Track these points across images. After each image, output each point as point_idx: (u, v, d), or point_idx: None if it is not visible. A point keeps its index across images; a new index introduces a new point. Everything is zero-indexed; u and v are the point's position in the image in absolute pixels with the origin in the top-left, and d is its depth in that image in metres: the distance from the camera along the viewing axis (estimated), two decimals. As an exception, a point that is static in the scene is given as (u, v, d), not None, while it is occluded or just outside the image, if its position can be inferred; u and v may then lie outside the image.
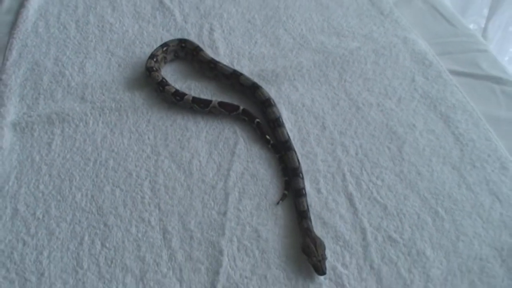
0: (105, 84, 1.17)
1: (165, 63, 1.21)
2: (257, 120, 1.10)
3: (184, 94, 1.12)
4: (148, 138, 1.10)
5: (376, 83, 1.22)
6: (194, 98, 1.12)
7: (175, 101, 1.12)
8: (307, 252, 0.91)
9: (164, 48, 1.19)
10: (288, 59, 1.25)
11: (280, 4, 1.41)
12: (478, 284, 0.93)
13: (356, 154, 1.10)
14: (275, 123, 1.09)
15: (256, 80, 1.18)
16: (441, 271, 0.95)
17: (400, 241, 0.99)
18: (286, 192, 1.03)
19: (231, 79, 1.16)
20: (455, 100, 1.19)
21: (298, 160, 1.06)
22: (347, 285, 0.93)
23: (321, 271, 0.89)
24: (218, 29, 1.30)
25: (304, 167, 1.06)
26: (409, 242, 0.99)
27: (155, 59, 1.17)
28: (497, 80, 1.26)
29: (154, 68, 1.16)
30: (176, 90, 1.13)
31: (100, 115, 1.13)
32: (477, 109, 1.18)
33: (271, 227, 0.99)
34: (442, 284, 0.93)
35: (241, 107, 1.11)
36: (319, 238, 0.94)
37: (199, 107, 1.11)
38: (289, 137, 1.09)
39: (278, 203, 1.02)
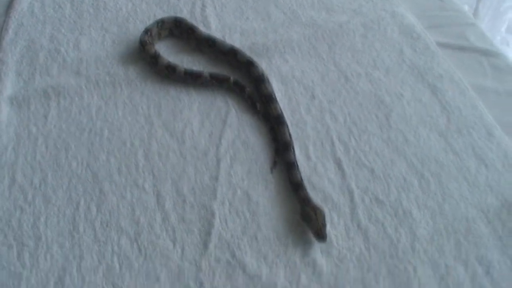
0: (100, 59, 1.20)
1: (159, 39, 1.24)
2: (248, 90, 1.13)
3: (176, 67, 1.15)
4: (142, 108, 1.12)
5: (365, 55, 1.24)
6: (186, 70, 1.15)
7: (168, 73, 1.15)
8: (307, 220, 0.93)
9: (159, 24, 1.22)
10: (279, 34, 1.28)
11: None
12: (464, 243, 0.96)
13: (345, 121, 1.13)
14: (268, 99, 1.11)
15: (247, 53, 1.20)
16: (427, 231, 0.97)
17: (387, 203, 1.02)
18: (276, 159, 1.05)
19: (228, 55, 1.19)
20: (442, 71, 1.22)
21: (289, 135, 1.08)
22: (335, 244, 0.95)
23: (322, 237, 0.90)
24: (210, 5, 1.33)
25: (294, 135, 1.09)
26: (395, 203, 1.01)
27: (149, 34, 1.20)
28: (484, 52, 1.28)
29: (148, 42, 1.18)
30: (169, 63, 1.15)
31: (94, 88, 1.15)
32: (464, 79, 1.21)
33: (261, 191, 1.02)
34: (429, 243, 0.96)
35: (232, 78, 1.14)
36: (318, 207, 0.95)
37: (191, 79, 1.14)
38: (281, 112, 1.11)
39: (271, 171, 1.05)
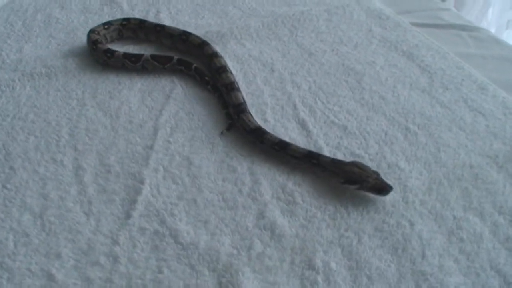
0: (40, 58, 1.08)
1: (106, 41, 1.14)
2: (195, 65, 0.99)
3: (115, 51, 1.03)
4: (76, 94, 0.97)
5: (330, 35, 1.12)
6: (125, 53, 1.03)
7: (107, 58, 1.02)
8: (356, 180, 0.72)
9: (106, 26, 1.14)
10: (235, 24, 1.18)
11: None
12: (473, 191, 0.73)
13: (309, 88, 0.96)
14: (220, 70, 0.96)
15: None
16: (421, 181, 0.75)
17: (366, 156, 0.80)
18: (231, 121, 0.87)
19: (179, 39, 1.08)
20: (418, 41, 1.08)
21: (243, 98, 0.92)
22: (301, 201, 0.72)
23: (388, 186, 0.71)
24: (165, 11, 1.26)
25: (249, 102, 0.92)
26: (377, 157, 0.80)
27: (96, 32, 1.11)
28: (463, 27, 1.16)
29: (95, 34, 1.09)
30: (108, 48, 1.04)
31: (28, 81, 1.02)
32: (443, 47, 1.07)
33: (206, 154, 0.81)
34: (426, 193, 0.73)
35: (176, 57, 1.01)
36: (355, 162, 0.76)
37: (131, 63, 1.01)
38: (234, 80, 0.96)
39: (222, 133, 0.86)
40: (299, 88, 0.96)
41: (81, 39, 1.16)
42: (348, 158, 0.80)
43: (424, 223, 0.69)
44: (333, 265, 0.64)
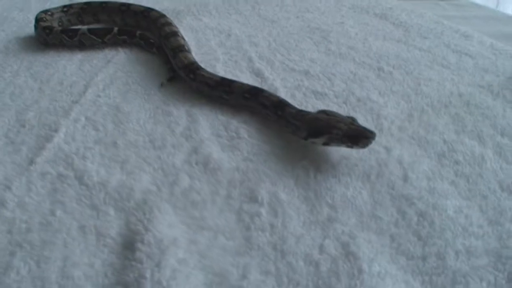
0: None
1: (62, 25, 1.04)
2: (139, 32, 0.88)
3: (53, 27, 0.92)
4: (11, 67, 0.82)
5: (295, 7, 1.02)
6: (63, 29, 0.92)
7: (45, 36, 0.91)
8: (322, 128, 0.52)
9: (49, 13, 1.05)
10: (193, 2, 1.09)
11: None
12: (466, 116, 0.58)
13: (269, 45, 0.83)
14: (169, 35, 0.83)
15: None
16: (399, 110, 0.60)
17: (330, 93, 0.66)
18: (173, 74, 0.74)
19: (121, 11, 0.97)
20: (392, 5, 0.98)
21: (193, 58, 0.79)
22: (246, 137, 0.57)
23: (369, 131, 0.50)
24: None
25: (199, 59, 0.79)
26: (344, 93, 0.65)
27: (49, 13, 1.01)
28: (440, -3, 1.07)
29: (44, 18, 0.99)
30: (48, 25, 0.93)
31: None
32: (419, 9, 0.96)
33: (139, 103, 0.67)
34: (406, 120, 0.58)
35: (116, 28, 0.90)
36: (323, 110, 0.57)
37: (68, 38, 0.90)
38: (185, 43, 0.84)
39: (162, 84, 0.72)
40: (256, 46, 0.84)
41: (33, 30, 1.06)
42: (309, 97, 0.65)
43: (403, 148, 0.53)
44: (282, 196, 0.47)
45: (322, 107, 0.63)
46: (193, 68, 0.71)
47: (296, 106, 0.60)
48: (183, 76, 0.73)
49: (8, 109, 0.70)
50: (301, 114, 0.57)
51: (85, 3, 1.05)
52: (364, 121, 0.58)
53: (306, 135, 0.54)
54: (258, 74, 0.73)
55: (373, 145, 0.54)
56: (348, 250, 0.40)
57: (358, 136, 0.50)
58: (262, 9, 1.02)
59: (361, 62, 0.74)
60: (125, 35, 0.88)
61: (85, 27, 0.92)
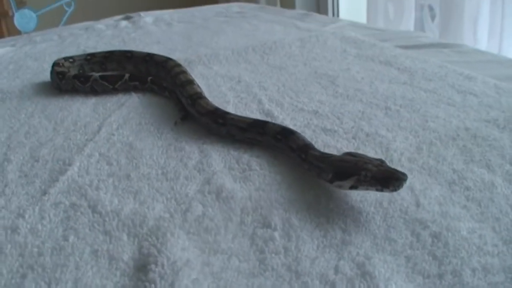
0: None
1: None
2: (150, 78, 0.91)
3: (66, 72, 0.97)
4: (26, 110, 0.85)
5: (303, 57, 1.06)
6: (75, 74, 0.96)
7: (59, 81, 0.95)
8: (350, 170, 0.49)
9: (70, 60, 1.10)
10: (203, 51, 1.13)
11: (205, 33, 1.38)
12: (473, 147, 0.59)
13: (278, 89, 0.86)
14: (184, 83, 0.84)
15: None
16: (408, 144, 0.61)
17: (339, 130, 0.67)
18: (184, 112, 0.76)
19: (145, 60, 1.02)
20: (396, 53, 1.02)
21: (200, 89, 0.82)
22: (258, 169, 0.58)
23: (401, 173, 0.47)
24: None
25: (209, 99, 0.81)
26: (353, 130, 0.67)
27: (60, 64, 1.06)
28: (444, 45, 1.10)
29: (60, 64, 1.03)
30: (62, 71, 0.98)
31: None
32: (424, 56, 0.99)
33: (152, 140, 0.68)
34: (415, 152, 0.59)
35: (127, 74, 0.94)
36: (348, 152, 0.56)
37: (80, 84, 0.94)
38: (200, 90, 0.87)
39: (175, 123, 0.74)
40: (266, 90, 0.87)
41: (48, 77, 1.11)
42: (319, 134, 0.67)
43: (415, 177, 0.53)
44: (295, 221, 0.47)
45: (332, 143, 0.64)
46: (220, 113, 0.70)
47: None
48: (206, 122, 0.71)
49: (23, 146, 0.72)
50: (326, 157, 0.55)
51: (108, 52, 1.10)
52: (373, 154, 0.59)
53: (332, 178, 0.51)
54: (268, 114, 0.75)
55: (384, 174, 0.54)
56: (364, 270, 0.40)
57: (388, 178, 0.47)
58: (270, 58, 1.07)
59: (368, 103, 0.76)
60: (136, 81, 0.92)
61: (97, 74, 0.96)
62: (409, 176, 0.53)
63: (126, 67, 1.07)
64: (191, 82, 0.86)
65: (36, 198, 0.57)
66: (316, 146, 0.61)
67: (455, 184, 0.52)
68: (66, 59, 1.08)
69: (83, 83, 0.93)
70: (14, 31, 1.99)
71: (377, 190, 0.48)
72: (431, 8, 1.98)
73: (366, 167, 0.49)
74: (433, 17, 1.93)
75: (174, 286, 0.39)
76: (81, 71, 1.07)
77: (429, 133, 0.64)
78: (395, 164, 0.56)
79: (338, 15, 2.64)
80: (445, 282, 0.38)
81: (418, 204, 0.48)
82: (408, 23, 1.96)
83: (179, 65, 0.95)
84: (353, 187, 0.49)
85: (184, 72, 0.91)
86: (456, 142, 0.60)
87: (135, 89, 0.92)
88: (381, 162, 0.50)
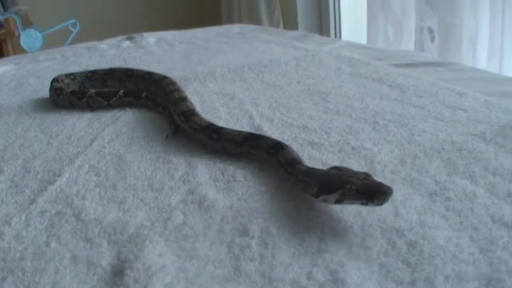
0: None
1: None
2: (144, 94, 0.93)
3: (64, 88, 0.99)
4: (23, 124, 0.88)
5: (297, 75, 1.07)
6: (72, 91, 0.98)
7: (56, 96, 0.97)
8: (334, 184, 0.49)
9: (71, 76, 1.12)
10: (199, 69, 1.15)
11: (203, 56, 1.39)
12: (458, 160, 0.60)
13: (270, 106, 0.87)
14: (177, 100, 0.86)
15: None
16: (392, 157, 0.62)
17: (326, 143, 0.68)
18: (175, 127, 0.78)
19: (144, 79, 1.04)
20: (389, 71, 1.03)
21: (193, 107, 0.83)
22: (242, 180, 0.58)
23: (386, 187, 0.47)
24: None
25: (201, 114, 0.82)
26: (339, 143, 0.68)
27: (60, 80, 1.08)
28: (439, 64, 1.11)
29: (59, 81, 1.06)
30: (60, 87, 1.00)
31: None
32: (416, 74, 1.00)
33: (141, 153, 0.69)
34: (399, 164, 0.60)
35: (122, 91, 0.95)
36: (335, 166, 0.55)
37: (76, 99, 0.95)
38: (192, 107, 0.88)
39: (167, 136, 0.75)
40: (258, 106, 0.88)
41: (47, 94, 1.14)
42: (305, 147, 0.67)
43: (396, 188, 0.53)
44: (273, 230, 0.47)
45: (317, 156, 0.65)
46: (215, 129, 0.70)
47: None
48: (200, 138, 0.71)
49: (16, 158, 0.73)
50: (311, 171, 0.55)
51: (109, 69, 1.13)
52: (358, 166, 0.60)
53: (317, 192, 0.50)
54: (257, 129, 0.76)
55: (366, 185, 0.55)
56: (336, 276, 0.40)
57: (373, 191, 0.46)
58: (265, 76, 1.08)
59: (357, 118, 0.77)
60: (131, 96, 0.94)
61: (93, 90, 0.98)
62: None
63: (127, 85, 1.09)
64: (184, 99, 0.87)
65: (24, 206, 0.58)
66: (302, 159, 0.63)
67: (436, 195, 0.52)
68: (67, 75, 1.11)
69: (79, 99, 0.95)
70: (20, 51, 2.04)
71: (362, 204, 0.47)
72: (430, 30, 2.01)
73: (351, 181, 0.48)
74: (432, 39, 1.95)
75: (147, 289, 0.39)
76: (81, 88, 1.09)
77: (414, 146, 0.64)
78: (378, 176, 0.56)
79: (340, 37, 2.68)
80: (417, 289, 0.38)
81: (396, 214, 0.48)
82: (408, 45, 1.98)
83: (174, 83, 0.97)
84: (338, 201, 0.49)
85: (177, 89, 0.93)
86: (441, 155, 0.61)
87: (130, 105, 0.93)
88: (367, 175, 0.50)
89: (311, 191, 0.51)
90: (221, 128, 0.71)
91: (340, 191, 0.48)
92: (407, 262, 0.41)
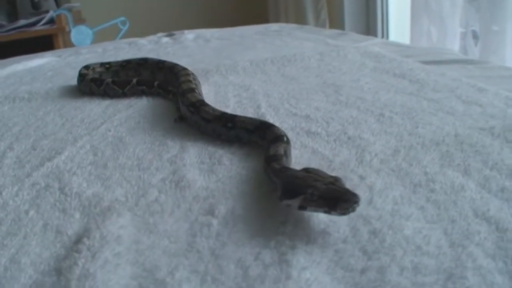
0: (29, 90, 1.10)
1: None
2: (157, 82, 0.95)
3: (86, 75, 1.03)
4: (46, 108, 0.94)
5: (320, 69, 1.05)
6: (92, 78, 1.02)
7: (80, 83, 1.02)
8: (297, 188, 0.44)
9: (107, 65, 1.17)
10: (222, 62, 1.16)
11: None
12: (457, 153, 0.56)
13: (281, 97, 0.86)
14: (189, 90, 0.84)
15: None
16: (386, 147, 0.58)
17: (323, 132, 0.66)
18: (180, 113, 0.78)
19: (160, 67, 1.07)
20: (413, 67, 0.98)
21: (202, 97, 0.84)
22: (227, 163, 0.57)
23: (351, 194, 0.41)
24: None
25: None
26: (337, 132, 0.65)
27: (91, 68, 1.13)
28: (469, 62, 1.04)
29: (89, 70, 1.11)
30: (84, 73, 1.04)
31: (9, 102, 1.01)
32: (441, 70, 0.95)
33: (142, 137, 0.71)
34: (390, 154, 0.56)
35: (135, 79, 0.98)
36: (307, 168, 0.50)
37: (96, 86, 0.99)
38: (202, 98, 0.89)
39: (175, 120, 0.77)
40: (269, 97, 0.87)
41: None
42: (301, 136, 0.66)
43: (379, 177, 0.51)
44: (239, 211, 0.47)
45: (310, 144, 0.63)
46: (229, 117, 0.69)
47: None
48: (213, 128, 0.69)
49: (28, 138, 0.77)
50: (283, 171, 0.50)
51: (142, 59, 1.16)
52: (347, 154, 0.57)
53: (281, 195, 0.45)
54: (261, 117, 0.75)
55: (348, 173, 0.52)
56: (283, 258, 0.38)
57: (337, 198, 0.41)
58: (286, 70, 1.07)
59: (364, 110, 0.74)
60: (144, 85, 0.96)
61: (110, 79, 1.01)
62: (375, 177, 0.51)
63: (157, 76, 1.12)
64: (192, 90, 0.87)
65: (20, 179, 0.61)
66: (293, 147, 0.61)
67: (420, 186, 0.48)
68: (102, 64, 1.16)
69: (98, 86, 0.99)
70: (70, 47, 2.16)
71: (325, 212, 0.42)
72: (474, 34, 1.90)
73: (314, 185, 0.43)
74: (476, 42, 1.84)
75: (95, 256, 0.40)
76: (115, 77, 1.13)
77: (414, 138, 0.60)
78: (364, 165, 0.54)
79: (387, 38, 2.60)
80: (365, 277, 0.36)
81: (370, 202, 0.46)
82: (452, 47, 1.88)
83: (188, 74, 0.98)
84: (302, 208, 0.43)
85: (189, 80, 0.94)
86: (439, 147, 0.57)
87: (143, 93, 0.96)
88: (335, 180, 0.45)
89: (277, 194, 0.47)
90: (235, 116, 0.70)
91: (302, 197, 0.43)
92: (364, 250, 0.39)
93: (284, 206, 0.46)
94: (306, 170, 0.48)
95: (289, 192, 0.45)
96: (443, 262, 0.37)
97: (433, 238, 0.40)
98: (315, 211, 0.43)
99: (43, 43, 2.24)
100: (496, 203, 0.45)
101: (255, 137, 0.65)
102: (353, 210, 0.40)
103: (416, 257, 0.38)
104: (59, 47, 2.10)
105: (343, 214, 0.41)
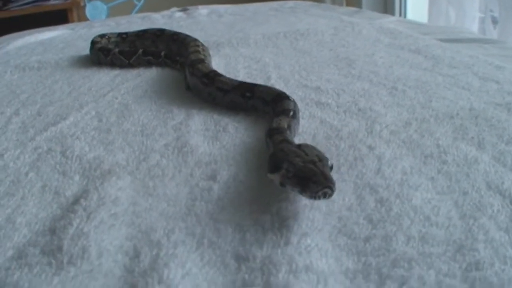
0: (39, 60, 1.09)
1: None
2: (163, 52, 0.93)
3: (96, 42, 1.03)
4: (54, 76, 0.93)
5: (333, 44, 1.02)
6: (101, 47, 1.01)
7: (90, 51, 1.01)
8: (278, 162, 0.40)
9: (124, 35, 1.15)
10: (234, 35, 1.14)
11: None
12: (471, 126, 0.53)
13: (292, 69, 0.83)
14: (199, 61, 0.81)
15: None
16: (398, 119, 0.56)
17: (333, 103, 0.63)
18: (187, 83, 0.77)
19: (173, 39, 1.04)
20: (430, 43, 0.94)
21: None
22: (232, 131, 0.56)
23: (327, 178, 0.37)
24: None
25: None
26: (348, 104, 0.63)
27: (106, 36, 1.12)
28: (486, 41, 1.00)
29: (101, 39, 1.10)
30: (95, 41, 1.03)
31: (19, 72, 1.00)
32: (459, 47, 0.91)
33: (148, 104, 0.70)
34: (402, 126, 0.54)
35: (141, 50, 0.96)
36: (302, 144, 0.46)
37: (103, 56, 0.98)
38: (212, 69, 0.87)
39: (186, 88, 0.75)
40: (280, 69, 0.85)
41: (87, 53, 1.18)
42: (310, 107, 0.63)
43: (389, 148, 0.49)
44: (240, 177, 0.45)
45: (318, 114, 0.61)
46: (248, 86, 0.66)
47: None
48: (231, 99, 0.66)
49: (35, 104, 0.76)
50: (278, 144, 0.46)
51: (159, 30, 1.14)
52: (356, 125, 0.55)
53: (268, 170, 0.42)
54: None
55: (356, 143, 0.50)
56: (282, 223, 0.37)
57: (307, 178, 0.37)
58: (299, 44, 1.04)
59: (377, 83, 0.71)
60: (150, 55, 0.94)
61: (117, 49, 1.00)
62: (384, 148, 0.49)
63: (171, 47, 1.09)
64: (201, 60, 0.85)
65: (23, 143, 0.60)
66: (301, 116, 0.59)
67: (431, 157, 0.46)
68: (119, 34, 1.14)
69: (106, 56, 0.98)
70: (84, 21, 2.15)
71: (299, 192, 0.38)
72: (493, 18, 1.84)
73: (292, 161, 0.39)
74: (495, 24, 1.77)
75: (90, 216, 0.39)
76: (132, 47, 1.11)
77: (426, 111, 0.58)
78: (374, 135, 0.52)
79: (405, 17, 2.53)
80: (369, 245, 0.34)
81: (378, 172, 0.44)
82: (470, 28, 1.82)
83: (197, 45, 0.96)
84: (282, 184, 0.39)
85: (197, 51, 0.91)
86: (453, 121, 0.54)
87: (150, 63, 0.94)
88: (319, 159, 0.40)
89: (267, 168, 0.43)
90: (255, 85, 0.66)
91: (281, 173, 0.39)
92: (369, 218, 0.37)
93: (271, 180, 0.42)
94: (299, 146, 0.45)
95: (272, 167, 0.42)
96: (453, 234, 0.35)
97: (443, 209, 0.38)
98: (293, 190, 0.39)
99: (58, 18, 2.23)
100: (511, 176, 0.43)
101: (268, 109, 0.62)
102: (324, 196, 0.36)
103: (424, 227, 0.36)
104: (73, 22, 2.09)
105: (313, 197, 0.36)
